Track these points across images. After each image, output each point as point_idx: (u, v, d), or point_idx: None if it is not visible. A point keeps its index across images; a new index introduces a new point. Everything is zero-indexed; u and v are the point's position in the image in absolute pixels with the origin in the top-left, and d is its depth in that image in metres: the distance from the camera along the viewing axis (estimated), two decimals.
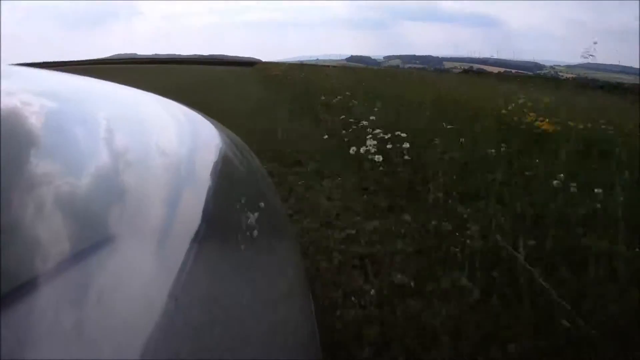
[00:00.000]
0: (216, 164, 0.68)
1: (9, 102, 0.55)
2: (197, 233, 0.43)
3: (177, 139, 0.74)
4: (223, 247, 0.48)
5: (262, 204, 0.69)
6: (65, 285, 0.30)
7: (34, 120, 0.54)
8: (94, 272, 0.33)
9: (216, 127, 0.86)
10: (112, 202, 0.44)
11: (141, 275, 0.36)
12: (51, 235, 0.35)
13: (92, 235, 0.37)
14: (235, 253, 0.49)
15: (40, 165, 0.45)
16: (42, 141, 0.50)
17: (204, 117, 0.90)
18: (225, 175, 0.66)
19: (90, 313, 0.29)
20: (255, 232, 0.57)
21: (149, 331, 0.29)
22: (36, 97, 0.65)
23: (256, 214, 0.63)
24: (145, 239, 0.40)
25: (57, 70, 1.10)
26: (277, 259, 0.58)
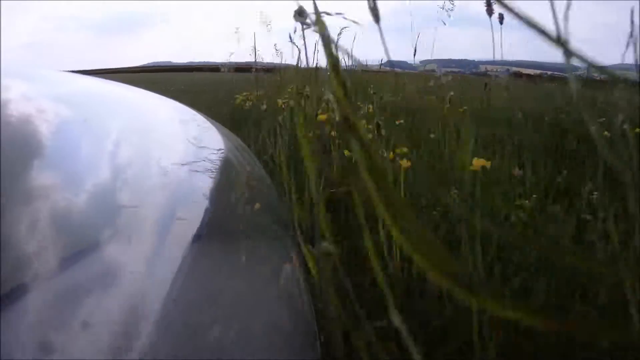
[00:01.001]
0: (217, 165, 0.67)
1: (17, 104, 0.56)
2: (197, 233, 0.44)
3: (179, 139, 0.73)
4: (223, 247, 0.48)
5: (262, 205, 0.69)
6: (66, 286, 0.30)
7: (41, 121, 0.53)
8: (94, 272, 0.33)
9: (218, 128, 0.86)
10: (113, 202, 0.43)
11: (141, 275, 0.35)
12: (51, 235, 0.35)
13: (92, 235, 0.37)
14: (236, 253, 0.49)
15: (43, 164, 0.44)
16: (45, 139, 0.49)
17: (207, 119, 0.90)
18: (226, 176, 0.66)
19: (90, 313, 0.29)
20: (255, 233, 0.57)
21: (149, 332, 0.30)
22: (48, 99, 0.65)
23: (256, 215, 0.62)
24: (145, 239, 0.40)
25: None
26: (276, 259, 0.57)
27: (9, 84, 0.64)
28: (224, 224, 0.53)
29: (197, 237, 0.43)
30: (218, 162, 0.68)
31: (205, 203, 0.53)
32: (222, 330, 0.35)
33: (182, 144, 0.71)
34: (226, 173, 0.68)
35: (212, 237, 0.46)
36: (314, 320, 0.51)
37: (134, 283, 0.34)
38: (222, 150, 0.76)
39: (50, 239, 0.35)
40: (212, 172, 0.62)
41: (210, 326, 0.34)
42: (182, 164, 0.60)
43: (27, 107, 0.57)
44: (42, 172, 0.43)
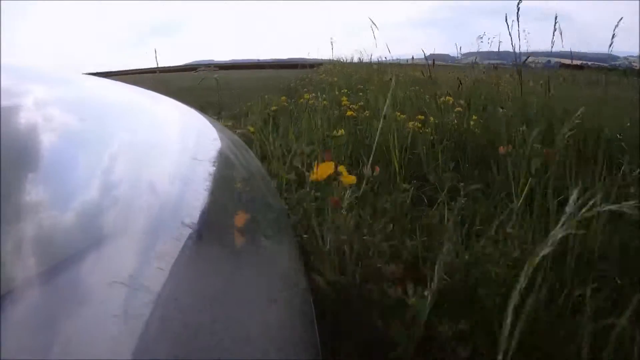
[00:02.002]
0: (216, 163, 0.66)
1: (30, 104, 0.57)
2: (197, 232, 0.43)
3: (178, 139, 0.72)
4: (223, 246, 0.48)
5: (261, 203, 0.69)
6: (65, 286, 0.30)
7: (44, 121, 0.53)
8: (94, 272, 0.33)
9: (217, 127, 0.86)
10: (112, 202, 0.43)
11: (141, 274, 0.35)
12: (50, 234, 0.35)
13: (92, 234, 0.37)
14: (235, 252, 0.49)
15: (41, 162, 0.44)
16: (42, 139, 0.48)
17: (206, 118, 0.90)
18: (224, 174, 0.66)
19: (90, 313, 0.29)
20: (255, 231, 0.57)
21: (149, 331, 0.29)
22: (61, 101, 0.66)
23: (255, 213, 0.63)
24: (145, 238, 0.40)
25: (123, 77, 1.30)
26: (276, 258, 0.57)
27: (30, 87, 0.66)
28: (222, 221, 0.52)
29: (196, 236, 0.42)
30: (216, 160, 0.68)
31: (203, 201, 0.52)
32: (221, 329, 0.34)
33: (182, 143, 0.70)
34: (224, 171, 0.67)
35: (209, 235, 0.45)
36: (313, 320, 0.51)
37: (135, 282, 0.33)
38: (220, 148, 0.75)
39: (46, 237, 0.34)
40: (210, 170, 0.63)
41: (210, 326, 0.34)
42: (181, 163, 0.61)
43: (33, 112, 0.56)
44: (39, 178, 0.42)
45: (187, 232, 0.42)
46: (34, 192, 0.39)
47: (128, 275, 0.34)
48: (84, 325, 0.28)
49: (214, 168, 0.64)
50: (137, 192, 0.47)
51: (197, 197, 0.52)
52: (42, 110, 0.58)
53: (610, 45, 2.05)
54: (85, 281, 0.32)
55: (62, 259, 0.32)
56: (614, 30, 2.12)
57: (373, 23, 2.30)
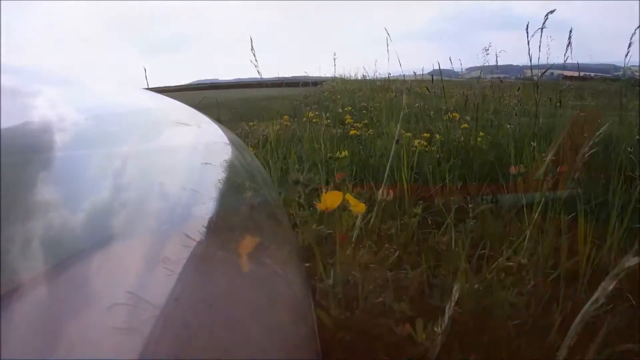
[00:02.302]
0: (216, 164, 0.67)
1: (40, 105, 0.58)
2: (197, 233, 0.43)
3: (179, 139, 0.72)
4: (223, 247, 0.48)
5: (262, 204, 0.69)
6: (66, 286, 0.30)
7: (46, 121, 0.53)
8: (95, 272, 0.33)
9: (218, 127, 0.86)
10: (113, 202, 0.43)
11: (141, 275, 0.35)
12: (51, 234, 0.34)
13: (93, 235, 0.37)
14: (235, 253, 0.48)
15: (43, 163, 0.44)
16: (46, 139, 0.48)
17: (208, 119, 0.90)
18: (225, 175, 0.66)
19: (91, 313, 0.29)
20: (255, 232, 0.57)
21: (149, 331, 0.29)
22: (64, 100, 0.66)
23: (256, 214, 0.63)
24: (145, 239, 0.40)
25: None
26: (276, 258, 0.56)
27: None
28: (222, 222, 0.51)
29: (196, 236, 0.42)
30: (221, 163, 0.68)
31: (204, 201, 0.52)
32: (222, 329, 0.34)
33: (183, 143, 0.70)
34: (228, 174, 0.67)
35: (210, 236, 0.45)
36: (313, 320, 0.51)
37: (133, 283, 0.33)
38: (221, 148, 0.75)
39: (46, 238, 0.33)
40: (216, 173, 0.63)
41: (210, 326, 0.34)
42: (182, 163, 0.61)
43: (49, 112, 0.56)
44: (39, 178, 0.41)
45: (188, 231, 0.42)
46: (35, 192, 0.39)
47: (128, 277, 0.34)
48: (85, 325, 0.28)
49: (219, 171, 0.65)
50: (137, 192, 0.47)
51: (198, 196, 0.52)
52: (46, 111, 0.58)
53: None
54: (86, 281, 0.32)
55: (64, 260, 0.32)
56: None
57: (388, 34, 2.33)
